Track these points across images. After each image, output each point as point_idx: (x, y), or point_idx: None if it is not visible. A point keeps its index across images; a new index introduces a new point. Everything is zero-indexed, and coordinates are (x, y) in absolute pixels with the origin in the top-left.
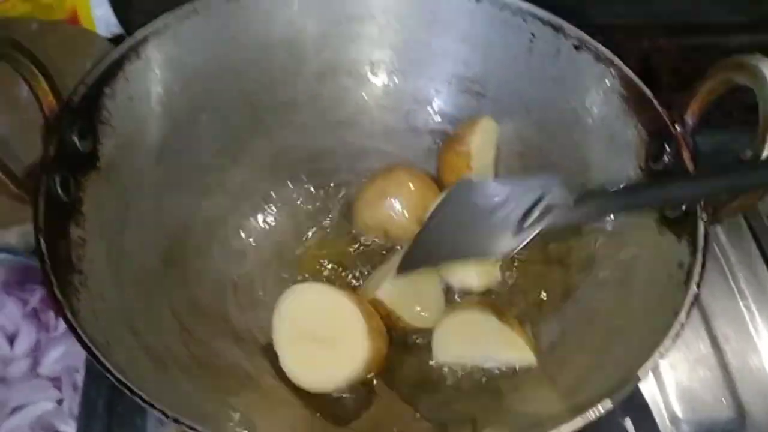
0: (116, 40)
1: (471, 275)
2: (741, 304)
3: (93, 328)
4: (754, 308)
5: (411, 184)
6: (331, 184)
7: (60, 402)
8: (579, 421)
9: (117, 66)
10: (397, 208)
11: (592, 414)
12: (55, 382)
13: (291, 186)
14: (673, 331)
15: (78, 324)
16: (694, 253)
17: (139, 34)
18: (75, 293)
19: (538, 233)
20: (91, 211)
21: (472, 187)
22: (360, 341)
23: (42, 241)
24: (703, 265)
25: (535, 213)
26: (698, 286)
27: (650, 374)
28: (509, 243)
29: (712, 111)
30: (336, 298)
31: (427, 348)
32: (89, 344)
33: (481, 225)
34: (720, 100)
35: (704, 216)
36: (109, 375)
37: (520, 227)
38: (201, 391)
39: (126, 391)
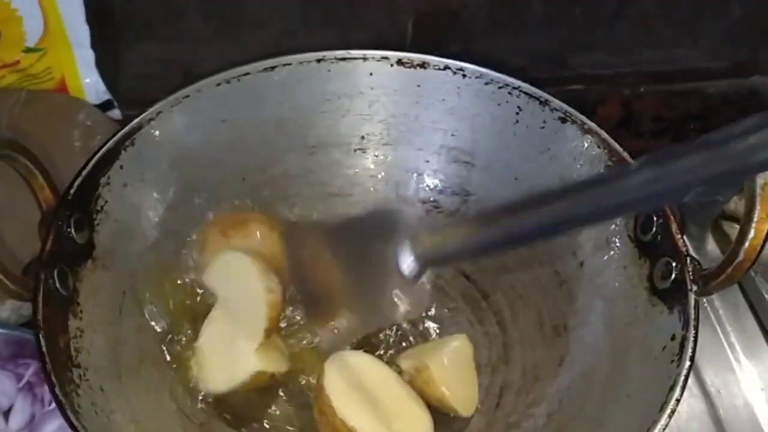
0: (104, 106)
1: None
2: (731, 356)
3: (93, 424)
4: (742, 358)
5: (258, 232)
6: None
7: None
8: None
9: (112, 155)
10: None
11: None
12: None
13: None
14: (668, 409)
15: (80, 424)
16: (686, 326)
17: (134, 122)
18: (75, 389)
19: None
20: (87, 302)
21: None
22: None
23: (42, 339)
24: (695, 339)
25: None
26: (692, 360)
27: None
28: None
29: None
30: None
31: None
32: None
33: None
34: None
35: (694, 288)
36: None
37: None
38: None
39: None
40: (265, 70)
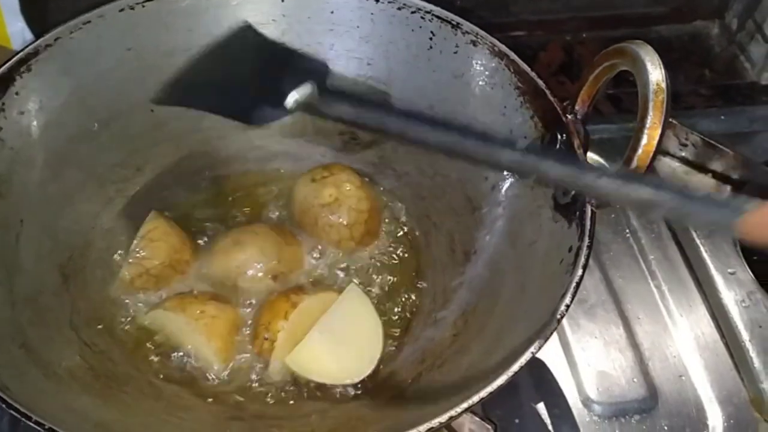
0: None
1: None
2: (652, 285)
3: None
4: (665, 289)
5: (266, 238)
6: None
7: None
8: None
9: (6, 81)
10: (248, 259)
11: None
12: None
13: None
14: (558, 314)
15: None
16: (581, 237)
17: (30, 47)
18: None
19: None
20: None
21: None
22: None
23: None
24: (590, 248)
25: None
26: (584, 269)
27: (563, 358)
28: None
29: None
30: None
31: None
32: None
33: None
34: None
35: (592, 200)
36: None
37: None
38: (99, 404)
39: (2, 405)
40: None
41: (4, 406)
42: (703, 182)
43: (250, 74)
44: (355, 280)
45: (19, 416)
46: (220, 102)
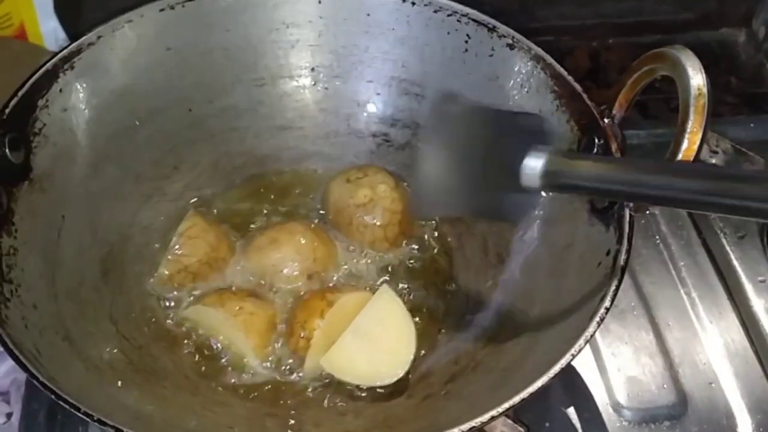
0: None
1: None
2: (682, 291)
3: (22, 337)
4: (695, 295)
5: (302, 237)
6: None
7: (9, 416)
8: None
9: (50, 77)
10: (284, 257)
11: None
12: (4, 396)
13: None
14: (597, 316)
15: (4, 331)
16: (620, 240)
17: (73, 45)
18: (4, 302)
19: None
20: (23, 222)
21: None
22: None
23: None
24: (628, 252)
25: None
26: (623, 271)
27: (594, 363)
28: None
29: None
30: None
31: None
32: (15, 351)
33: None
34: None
35: (630, 204)
36: (34, 380)
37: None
38: (138, 397)
39: (52, 396)
40: None
41: (53, 397)
42: None
43: (483, 162)
44: (387, 281)
45: (68, 407)
46: (473, 202)
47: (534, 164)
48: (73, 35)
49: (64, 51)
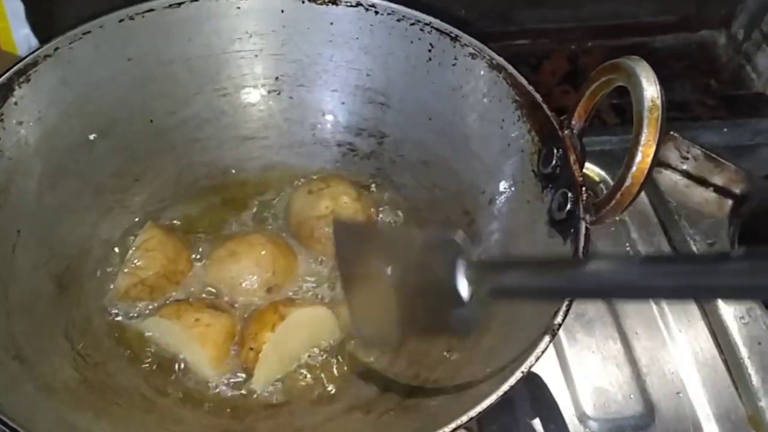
0: None
1: None
2: (651, 300)
3: None
4: (663, 304)
5: (262, 249)
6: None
7: None
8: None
9: (5, 91)
10: (242, 270)
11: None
12: None
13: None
14: (549, 331)
15: None
16: (575, 253)
17: (29, 58)
18: None
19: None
20: None
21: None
22: None
23: None
24: None
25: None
26: None
27: (560, 373)
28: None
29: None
30: None
31: None
32: None
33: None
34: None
35: (587, 216)
36: None
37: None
38: (91, 417)
39: None
40: (171, 6)
41: None
42: (704, 196)
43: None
44: None
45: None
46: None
47: (463, 282)
48: (45, 42)
49: (20, 64)
